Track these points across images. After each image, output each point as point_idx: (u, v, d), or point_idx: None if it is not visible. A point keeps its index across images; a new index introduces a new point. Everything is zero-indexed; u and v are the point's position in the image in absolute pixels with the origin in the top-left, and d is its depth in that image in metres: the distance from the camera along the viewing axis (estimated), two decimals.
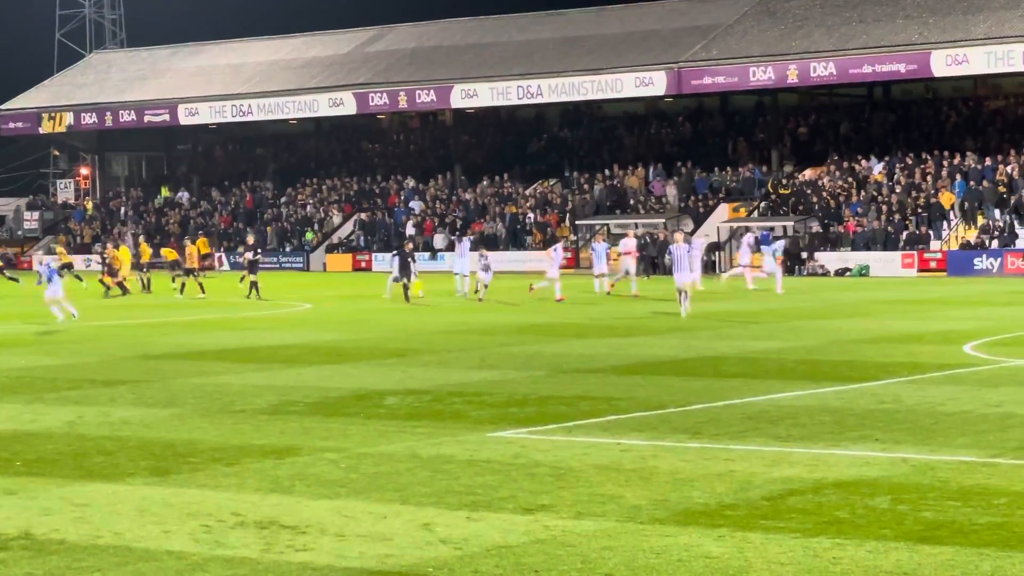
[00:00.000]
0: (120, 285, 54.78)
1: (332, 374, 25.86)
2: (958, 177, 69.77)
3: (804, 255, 67.64)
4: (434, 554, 12.09)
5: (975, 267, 64.18)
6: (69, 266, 41.77)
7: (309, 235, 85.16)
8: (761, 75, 72.55)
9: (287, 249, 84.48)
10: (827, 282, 55.88)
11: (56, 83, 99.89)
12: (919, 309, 41.38)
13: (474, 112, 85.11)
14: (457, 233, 76.07)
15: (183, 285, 53.97)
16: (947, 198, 68.90)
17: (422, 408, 21.04)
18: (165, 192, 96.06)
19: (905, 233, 67.88)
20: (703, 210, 74.52)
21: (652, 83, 75.28)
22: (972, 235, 66.73)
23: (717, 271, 68.64)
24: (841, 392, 22.09)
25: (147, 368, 27.28)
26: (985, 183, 68.84)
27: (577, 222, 76.25)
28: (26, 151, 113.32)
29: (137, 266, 59.25)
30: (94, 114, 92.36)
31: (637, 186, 78.66)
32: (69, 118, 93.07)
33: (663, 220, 71.43)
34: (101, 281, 55.24)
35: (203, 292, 52.85)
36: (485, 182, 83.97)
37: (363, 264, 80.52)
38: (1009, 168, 69.47)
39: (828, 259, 67.30)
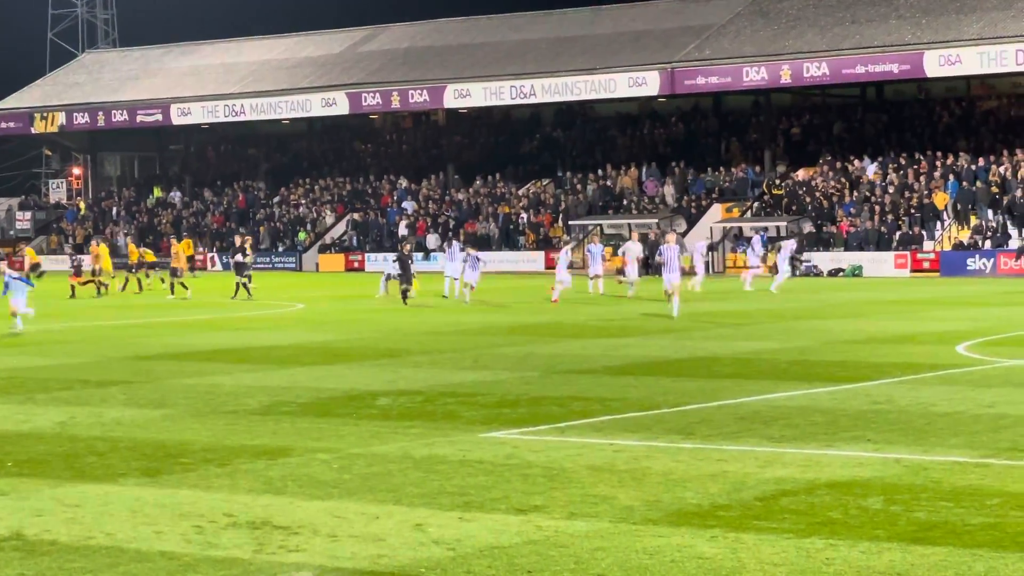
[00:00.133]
0: (99, 284, 54.29)
1: (324, 375, 25.83)
2: (951, 177, 69.81)
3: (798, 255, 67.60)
4: (427, 555, 12.07)
5: (968, 268, 64.23)
6: (36, 266, 41.40)
7: (302, 235, 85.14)
8: (754, 75, 72.58)
9: (280, 249, 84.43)
10: (820, 282, 55.92)
11: (48, 83, 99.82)
12: (912, 310, 41.40)
13: (467, 112, 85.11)
14: (449, 235, 76.03)
15: (171, 286, 53.51)
16: (940, 198, 68.95)
17: (415, 409, 21.02)
18: (157, 192, 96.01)
19: (898, 233, 67.94)
20: (696, 210, 74.55)
21: (645, 83, 75.30)
22: (965, 236, 66.79)
23: (711, 272, 68.71)
24: (834, 393, 22.08)
25: (139, 369, 27.24)
26: (978, 183, 68.90)
27: (570, 222, 76.25)
28: (18, 151, 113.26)
29: (126, 267, 59.06)
30: (86, 114, 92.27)
31: (630, 186, 78.68)
32: (61, 118, 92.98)
33: (656, 220, 71.43)
34: (79, 284, 54.60)
35: (172, 294, 52.21)
36: (478, 182, 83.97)
37: (356, 264, 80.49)
38: (1002, 168, 69.52)
39: (821, 259, 67.33)
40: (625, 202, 77.47)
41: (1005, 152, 70.59)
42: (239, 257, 52.65)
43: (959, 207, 68.32)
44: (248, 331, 36.56)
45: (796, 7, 76.92)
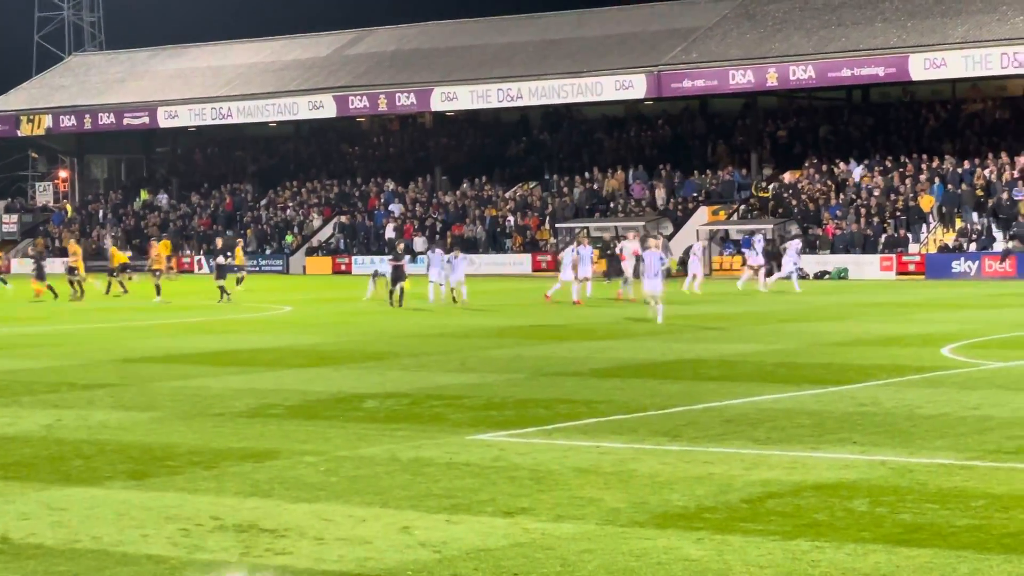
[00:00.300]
0: (74, 283, 53.91)
1: (311, 377, 25.83)
2: (936, 180, 69.95)
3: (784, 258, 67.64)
4: (413, 557, 12.08)
5: (953, 270, 64.36)
6: None
7: (289, 238, 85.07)
8: (740, 78, 72.67)
9: (267, 252, 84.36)
10: (806, 285, 55.95)
11: (35, 85, 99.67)
12: (898, 312, 41.48)
13: (454, 115, 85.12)
14: (437, 238, 76.05)
15: (157, 288, 52.96)
16: (926, 201, 69.08)
17: (402, 411, 21.03)
18: (144, 195, 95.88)
19: (884, 236, 68.06)
20: (683, 213, 74.63)
21: (632, 86, 75.38)
22: (950, 238, 66.92)
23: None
24: (820, 395, 22.12)
25: (126, 371, 27.21)
26: (963, 186, 69.04)
27: (557, 225, 76.27)
28: (5, 154, 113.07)
29: (108, 271, 58.81)
30: (73, 117, 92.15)
31: (617, 189, 78.73)
32: (48, 121, 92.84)
33: (643, 223, 71.47)
34: (49, 287, 54.04)
35: (125, 291, 51.77)
36: (465, 185, 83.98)
37: (343, 267, 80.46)
38: (987, 171, 69.68)
39: (807, 262, 67.27)
40: (612, 205, 77.52)
41: (990, 155, 70.75)
42: (220, 259, 52.44)
43: (944, 210, 68.46)
44: (235, 334, 36.53)
45: (782, 10, 77.04)
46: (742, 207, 74.37)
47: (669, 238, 70.63)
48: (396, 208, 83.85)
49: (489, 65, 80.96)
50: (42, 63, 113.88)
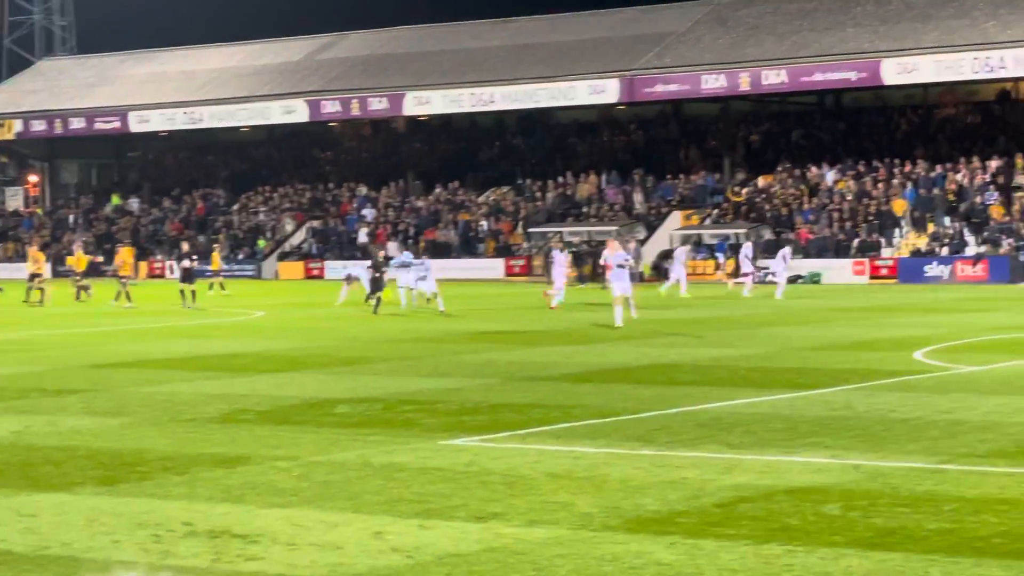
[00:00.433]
0: (37, 289, 53.67)
1: (284, 382, 25.76)
2: (909, 185, 70.18)
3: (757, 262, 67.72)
4: (385, 562, 12.05)
5: (925, 274, 64.56)
6: None
7: (261, 243, 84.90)
8: (713, 83, 72.78)
9: (239, 257, 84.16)
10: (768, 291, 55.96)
11: (5, 90, 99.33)
12: (870, 316, 41.57)
13: (427, 119, 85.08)
14: (410, 242, 75.99)
15: (127, 294, 52.58)
16: (898, 206, 69.30)
17: (374, 416, 20.99)
18: (116, 200, 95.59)
19: (856, 240, 68.24)
20: (656, 217, 74.71)
21: (605, 91, 75.46)
22: (923, 243, 67.15)
23: (670, 278, 68.80)
24: (793, 399, 22.14)
25: (96, 377, 27.09)
26: (936, 191, 69.29)
27: (530, 230, 76.28)
28: None
29: (74, 275, 58.50)
30: (44, 121, 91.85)
31: (590, 194, 78.78)
32: (18, 125, 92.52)
33: (616, 227, 71.53)
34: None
35: (128, 301, 51.33)
36: (438, 190, 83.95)
37: (315, 272, 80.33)
38: (959, 176, 69.94)
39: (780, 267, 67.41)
40: (585, 209, 77.57)
41: (962, 160, 71.01)
42: (185, 263, 52.14)
43: (917, 214, 68.69)
44: (207, 339, 36.43)
45: (755, 15, 77.19)
46: (715, 211, 74.49)
47: (642, 242, 70.72)
48: (369, 213, 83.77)
49: (462, 70, 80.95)
50: (13, 67, 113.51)
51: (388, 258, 70.93)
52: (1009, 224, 65.91)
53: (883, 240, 68.17)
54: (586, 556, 12.10)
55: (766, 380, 24.74)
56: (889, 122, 77.16)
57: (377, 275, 46.30)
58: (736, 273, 57.11)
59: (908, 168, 71.51)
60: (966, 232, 66.78)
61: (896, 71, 68.81)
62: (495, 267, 75.48)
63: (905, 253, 67.07)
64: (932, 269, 64.72)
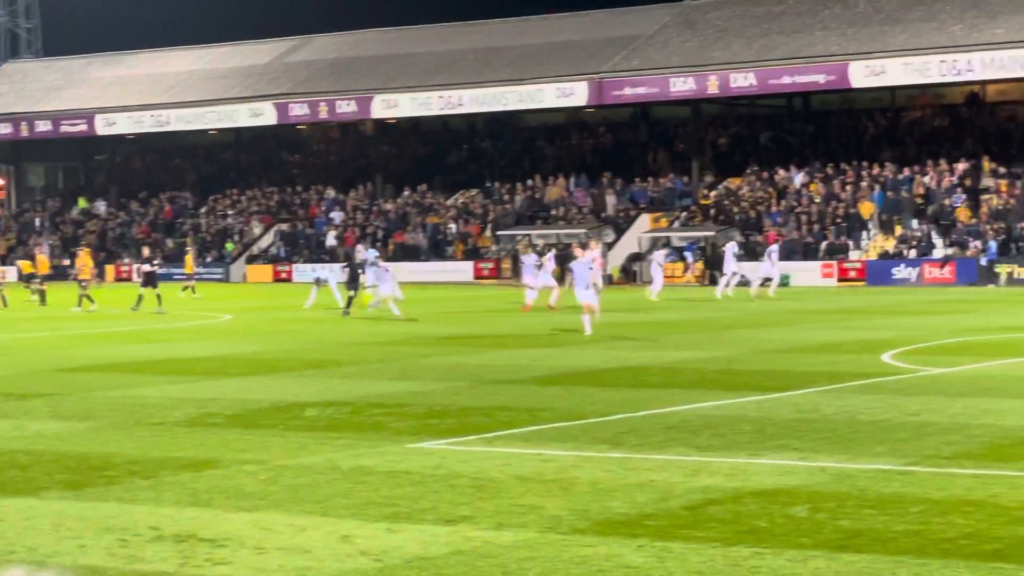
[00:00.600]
0: None
1: (252, 386, 25.69)
2: (876, 187, 70.42)
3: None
4: (354, 566, 12.02)
5: (893, 277, 64.78)
6: None
7: (229, 246, 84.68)
8: (681, 85, 72.88)
9: (207, 260, 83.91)
10: (748, 292, 56.05)
11: None
12: (838, 318, 41.68)
13: (395, 122, 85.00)
14: (378, 245, 75.88)
15: (88, 297, 52.21)
16: (866, 208, 69.52)
17: (342, 419, 20.94)
18: (82, 203, 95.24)
19: (825, 243, 68.43)
20: (624, 220, 74.78)
21: (573, 94, 75.49)
22: (891, 245, 67.37)
23: (638, 280, 68.95)
24: (761, 401, 22.18)
25: (63, 381, 26.98)
26: (903, 193, 69.53)
27: (499, 232, 76.27)
28: None
29: (26, 278, 58.13)
30: (9, 124, 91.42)
31: (558, 197, 78.81)
32: None
33: (584, 230, 71.56)
34: None
35: (80, 306, 50.92)
36: (406, 192, 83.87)
37: (284, 275, 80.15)
38: (927, 179, 70.20)
39: (748, 269, 67.58)
40: (553, 212, 77.60)
41: (930, 162, 71.27)
42: (146, 267, 51.84)
43: (884, 217, 68.91)
44: (174, 342, 36.31)
45: (723, 18, 77.33)
46: (683, 214, 74.61)
47: (610, 246, 70.77)
48: (337, 216, 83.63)
49: (430, 73, 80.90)
50: None
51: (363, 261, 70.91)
52: (976, 226, 66.19)
53: (851, 243, 68.39)
54: (555, 559, 12.09)
55: (734, 383, 24.77)
56: (857, 125, 77.40)
57: (354, 275, 46.14)
58: (715, 280, 56.97)
59: (876, 171, 71.76)
60: (934, 234, 67.03)
61: (864, 74, 69.02)
62: (464, 270, 75.45)
63: (873, 255, 67.29)
64: (900, 271, 64.95)
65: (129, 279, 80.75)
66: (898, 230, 67.95)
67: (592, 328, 36.03)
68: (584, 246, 42.58)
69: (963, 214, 67.48)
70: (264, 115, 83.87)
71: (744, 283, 56.36)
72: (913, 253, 66.17)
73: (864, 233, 68.83)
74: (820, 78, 70.16)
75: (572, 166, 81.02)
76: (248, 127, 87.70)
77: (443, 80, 79.51)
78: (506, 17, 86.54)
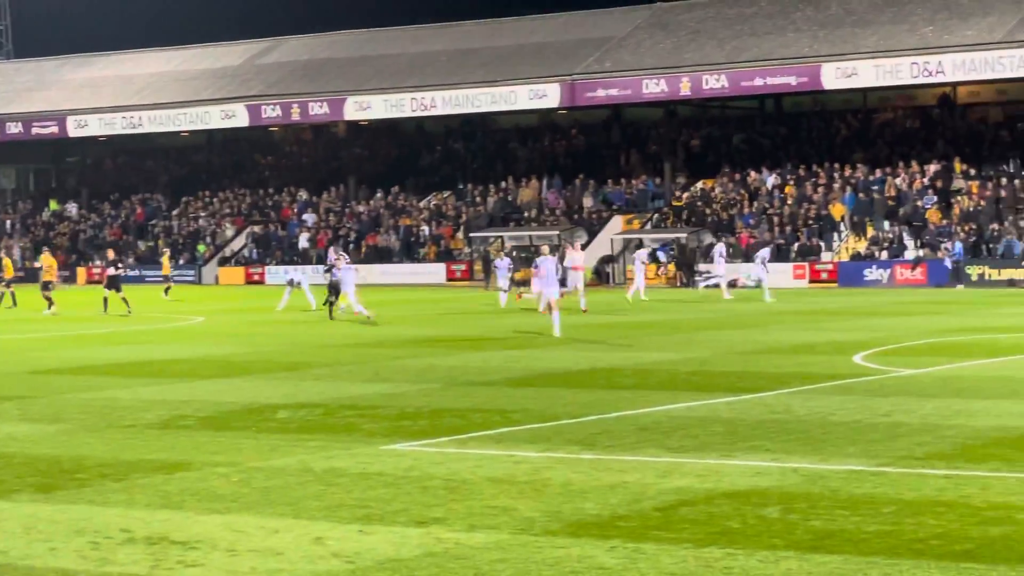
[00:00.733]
0: None
1: (223, 388, 25.64)
2: (848, 189, 70.60)
3: (698, 266, 68.00)
4: (326, 568, 12.00)
5: (865, 278, 64.95)
6: None
7: (201, 248, 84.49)
8: (654, 87, 72.92)
9: (179, 262, 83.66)
10: (719, 293, 56.15)
11: None
12: (810, 320, 41.77)
13: (367, 124, 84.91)
14: (351, 247, 75.81)
15: (48, 299, 51.83)
16: (837, 210, 69.69)
17: (314, 421, 20.92)
18: (54, 205, 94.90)
19: (796, 244, 68.58)
20: (597, 222, 74.83)
21: (546, 95, 75.48)
22: (862, 246, 67.55)
23: (611, 282, 69.05)
24: (733, 403, 22.22)
25: (33, 383, 26.89)
26: (875, 195, 69.73)
27: (471, 235, 76.25)
28: None
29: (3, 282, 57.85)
30: None
31: (531, 198, 78.82)
32: None
33: (557, 232, 71.58)
34: None
35: (14, 303, 50.91)
36: (379, 194, 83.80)
37: (256, 277, 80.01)
38: (898, 180, 70.41)
39: (731, 270, 67.65)
40: (526, 214, 77.60)
41: (901, 164, 71.48)
42: (111, 271, 51.59)
43: (856, 218, 69.11)
44: (146, 344, 36.22)
45: (695, 20, 77.43)
46: (656, 216, 74.70)
47: (584, 247, 70.79)
48: (310, 218, 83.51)
49: (403, 74, 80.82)
50: None
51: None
52: (947, 228, 66.41)
53: (823, 244, 68.56)
54: (527, 560, 12.09)
55: (706, 384, 24.81)
56: (829, 126, 77.60)
57: (335, 279, 45.91)
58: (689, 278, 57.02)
59: (847, 172, 71.95)
60: (905, 236, 67.24)
61: (836, 76, 69.18)
62: (436, 272, 75.43)
63: (845, 257, 67.47)
64: (872, 273, 65.13)
65: (100, 282, 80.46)
66: (870, 231, 68.14)
67: (561, 330, 36.10)
68: (550, 245, 42.78)
69: (934, 216, 67.71)
70: (236, 117, 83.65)
71: (715, 285, 56.44)
72: (884, 255, 66.36)
73: (836, 235, 69.01)
74: (792, 80, 70.29)
75: (545, 168, 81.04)
76: (220, 129, 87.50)
77: (416, 82, 79.43)
78: (479, 19, 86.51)
